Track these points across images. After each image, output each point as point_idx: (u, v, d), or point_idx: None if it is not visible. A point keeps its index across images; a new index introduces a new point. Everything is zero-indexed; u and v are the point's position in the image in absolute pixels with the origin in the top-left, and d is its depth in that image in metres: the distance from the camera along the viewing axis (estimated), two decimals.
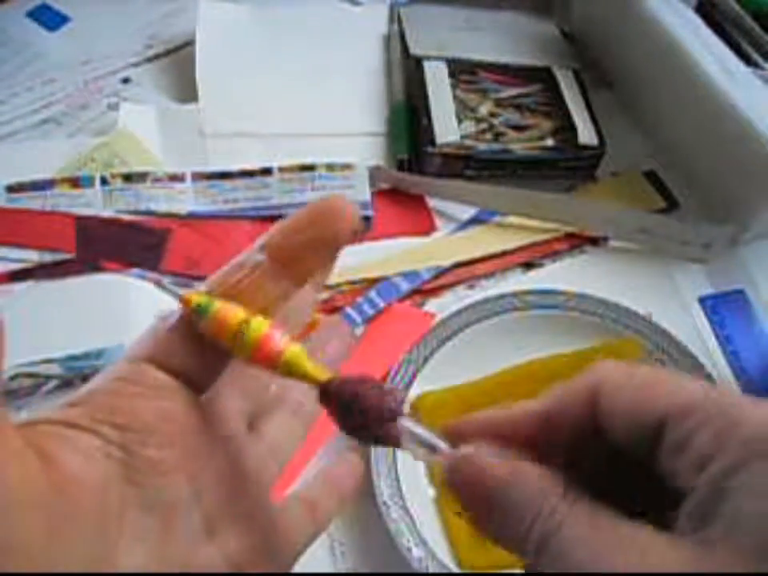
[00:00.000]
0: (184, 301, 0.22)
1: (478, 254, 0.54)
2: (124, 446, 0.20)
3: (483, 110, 0.58)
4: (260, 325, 0.22)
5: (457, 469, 0.20)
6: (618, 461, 0.21)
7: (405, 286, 0.52)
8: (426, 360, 0.47)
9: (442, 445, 0.21)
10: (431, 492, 0.44)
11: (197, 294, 0.22)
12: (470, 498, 0.20)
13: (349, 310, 0.50)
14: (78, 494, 0.19)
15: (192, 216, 0.53)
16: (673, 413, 0.19)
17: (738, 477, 0.18)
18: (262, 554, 0.24)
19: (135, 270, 0.50)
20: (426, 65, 0.60)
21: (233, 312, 0.22)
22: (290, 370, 0.22)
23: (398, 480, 0.42)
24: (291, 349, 0.22)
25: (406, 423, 0.21)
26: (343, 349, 0.30)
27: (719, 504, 0.18)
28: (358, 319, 0.50)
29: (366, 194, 0.55)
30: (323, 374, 0.22)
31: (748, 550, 0.17)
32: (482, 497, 0.20)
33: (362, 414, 0.21)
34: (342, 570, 0.42)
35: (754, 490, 0.17)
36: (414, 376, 0.46)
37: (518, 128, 0.58)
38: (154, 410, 0.21)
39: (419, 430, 0.21)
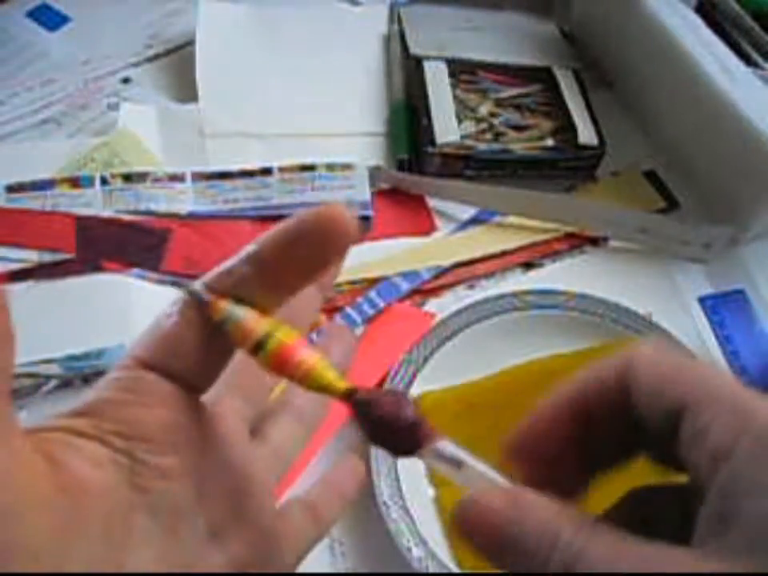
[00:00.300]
0: (211, 307, 0.22)
1: (477, 254, 0.54)
2: (130, 454, 0.21)
3: (483, 109, 0.58)
4: (283, 335, 0.21)
5: (463, 513, 0.20)
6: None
7: (405, 286, 0.52)
8: (425, 360, 0.47)
9: (468, 458, 0.21)
10: (431, 492, 0.44)
11: (226, 303, 0.22)
12: (481, 539, 0.21)
13: (349, 309, 0.50)
14: (85, 497, 0.19)
15: (192, 216, 0.53)
16: (692, 402, 0.19)
17: (752, 476, 0.17)
18: (264, 558, 0.25)
19: (135, 270, 0.50)
20: (426, 65, 0.60)
21: (256, 322, 0.21)
22: (312, 382, 0.22)
23: (398, 480, 0.42)
24: (313, 360, 0.22)
25: (438, 440, 0.22)
26: (347, 355, 0.30)
27: (736, 507, 0.17)
28: (358, 319, 0.50)
29: (365, 194, 0.55)
30: (344, 385, 0.22)
31: None
32: (492, 535, 0.20)
33: (385, 425, 0.21)
34: (342, 570, 0.42)
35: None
36: (414, 376, 0.46)
37: (518, 128, 0.58)
38: (157, 418, 0.21)
39: (443, 444, 0.21)
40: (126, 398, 0.21)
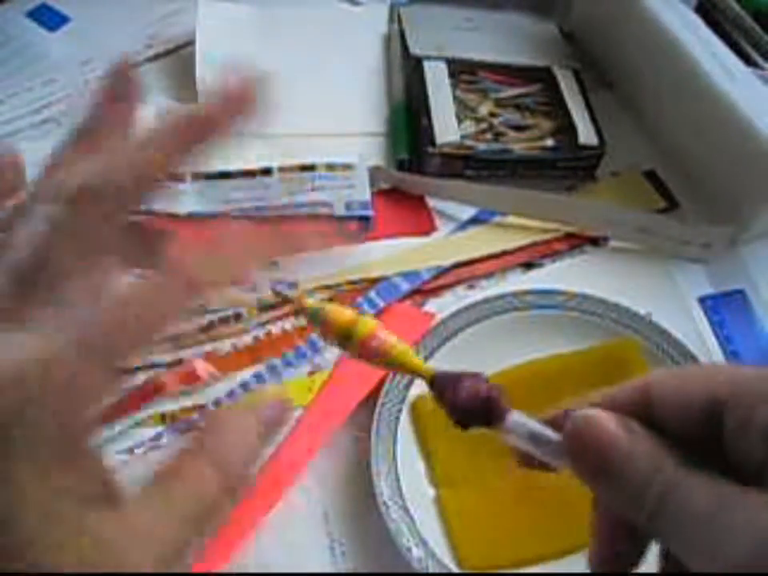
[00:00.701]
0: (299, 304, 0.25)
1: (477, 254, 0.54)
2: None
3: (483, 109, 0.58)
4: (366, 324, 0.24)
5: (577, 429, 0.21)
6: None
7: (405, 286, 0.52)
8: (425, 360, 0.47)
9: (551, 433, 0.23)
10: (431, 492, 0.44)
11: (310, 299, 0.25)
12: (591, 455, 0.21)
13: None
14: None
15: (192, 216, 0.53)
16: (726, 397, 0.20)
17: None
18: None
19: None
20: (426, 65, 0.60)
21: (342, 312, 0.24)
22: (399, 365, 0.24)
23: (398, 480, 0.42)
24: (398, 345, 0.24)
25: (513, 414, 0.23)
26: None
27: None
28: None
29: (366, 194, 0.55)
30: (427, 368, 0.24)
31: None
32: (603, 453, 0.21)
33: (466, 401, 0.23)
34: (342, 570, 0.42)
35: None
36: None
37: (518, 128, 0.58)
38: None
39: (526, 420, 0.23)
40: None
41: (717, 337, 0.51)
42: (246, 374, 0.48)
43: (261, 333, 0.49)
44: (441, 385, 0.24)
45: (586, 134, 0.56)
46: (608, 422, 0.21)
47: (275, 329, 0.50)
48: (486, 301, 0.49)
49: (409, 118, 0.60)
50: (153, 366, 0.46)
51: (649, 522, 0.20)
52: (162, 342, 0.20)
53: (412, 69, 0.61)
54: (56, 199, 0.20)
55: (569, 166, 0.57)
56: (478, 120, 0.58)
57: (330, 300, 0.50)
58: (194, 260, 0.21)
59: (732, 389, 0.21)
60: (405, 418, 0.45)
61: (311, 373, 0.48)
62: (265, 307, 0.49)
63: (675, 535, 0.20)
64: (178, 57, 0.65)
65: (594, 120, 0.57)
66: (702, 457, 0.21)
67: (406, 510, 0.42)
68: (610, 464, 0.21)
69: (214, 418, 0.23)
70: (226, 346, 0.49)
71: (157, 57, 0.65)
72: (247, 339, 0.49)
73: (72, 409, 0.18)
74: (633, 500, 0.21)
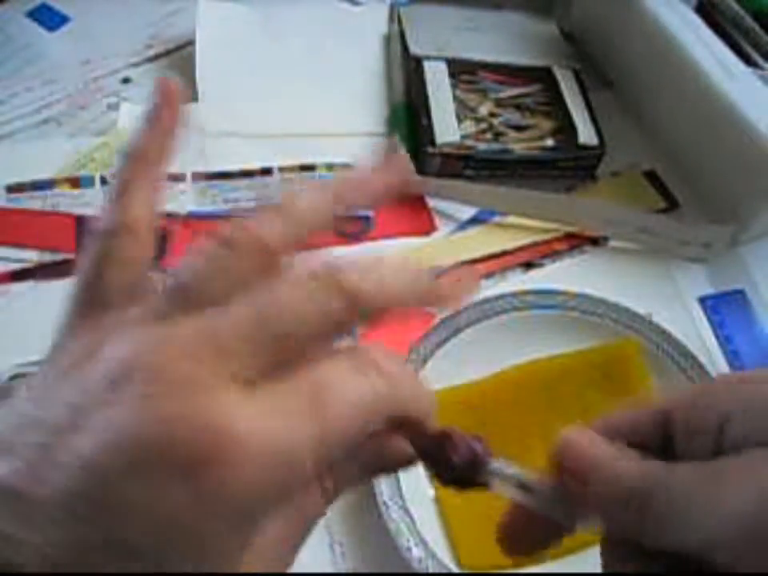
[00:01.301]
0: None
1: (478, 254, 0.54)
2: None
3: (483, 110, 0.58)
4: None
5: (566, 446, 0.22)
6: None
7: None
8: (425, 360, 0.47)
9: (535, 482, 0.23)
10: (431, 492, 0.44)
11: None
12: (574, 472, 0.22)
13: None
14: None
15: (192, 216, 0.53)
16: (732, 412, 0.21)
17: None
18: None
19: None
20: (426, 65, 0.60)
21: None
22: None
23: (397, 480, 0.42)
24: None
25: (497, 465, 0.23)
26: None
27: None
28: None
29: None
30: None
31: None
32: (586, 468, 0.22)
33: (450, 460, 0.22)
34: (342, 569, 0.42)
35: None
36: None
37: (518, 128, 0.58)
38: None
39: (511, 471, 0.23)
40: None
41: (717, 337, 0.51)
42: None
43: None
44: (430, 440, 0.23)
45: (585, 134, 0.56)
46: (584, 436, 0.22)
47: None
48: (485, 301, 0.49)
49: (409, 117, 0.60)
50: None
51: (638, 513, 0.21)
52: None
53: (412, 69, 0.61)
54: (223, 241, 0.22)
55: (569, 166, 0.57)
56: (478, 120, 0.58)
57: None
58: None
59: (735, 406, 0.21)
60: None
61: None
62: None
63: (672, 515, 0.20)
64: (178, 57, 0.65)
65: (594, 120, 0.57)
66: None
67: (406, 510, 0.42)
68: (596, 466, 0.22)
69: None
70: None
71: (157, 57, 0.65)
72: None
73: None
74: (622, 493, 0.21)
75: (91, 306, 0.23)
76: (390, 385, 0.20)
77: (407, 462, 0.24)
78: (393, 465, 0.24)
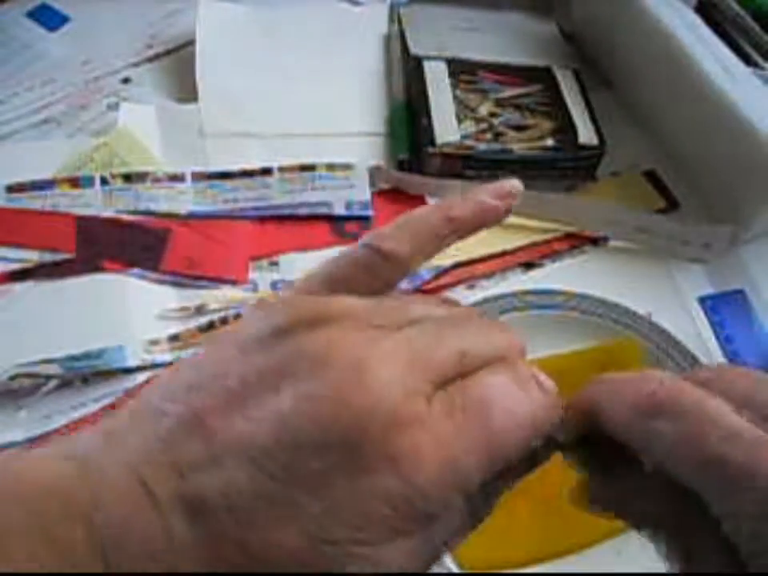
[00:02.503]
0: None
1: (477, 254, 0.54)
2: None
3: (483, 110, 0.58)
4: None
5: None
6: None
7: (405, 286, 0.52)
8: None
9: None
10: None
11: None
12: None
13: None
14: None
15: (192, 216, 0.53)
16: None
17: None
18: None
19: (135, 270, 0.50)
20: (426, 65, 0.60)
21: None
22: None
23: None
24: None
25: None
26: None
27: None
28: None
29: (365, 194, 0.55)
30: None
31: None
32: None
33: None
34: None
35: None
36: None
37: (518, 128, 0.58)
38: None
39: None
40: None
41: (717, 337, 0.51)
42: None
43: None
44: None
45: (585, 134, 0.56)
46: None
47: None
48: (485, 301, 0.49)
49: (409, 117, 0.60)
50: (153, 365, 0.46)
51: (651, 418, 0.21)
52: None
53: (412, 69, 0.61)
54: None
55: (569, 166, 0.57)
56: (478, 120, 0.58)
57: None
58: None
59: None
60: None
61: None
62: None
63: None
64: (178, 57, 0.65)
65: (594, 120, 0.57)
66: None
67: None
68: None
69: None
70: None
71: (157, 57, 0.65)
72: None
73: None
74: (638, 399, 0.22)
75: (322, 288, 0.24)
76: (550, 402, 0.22)
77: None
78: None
